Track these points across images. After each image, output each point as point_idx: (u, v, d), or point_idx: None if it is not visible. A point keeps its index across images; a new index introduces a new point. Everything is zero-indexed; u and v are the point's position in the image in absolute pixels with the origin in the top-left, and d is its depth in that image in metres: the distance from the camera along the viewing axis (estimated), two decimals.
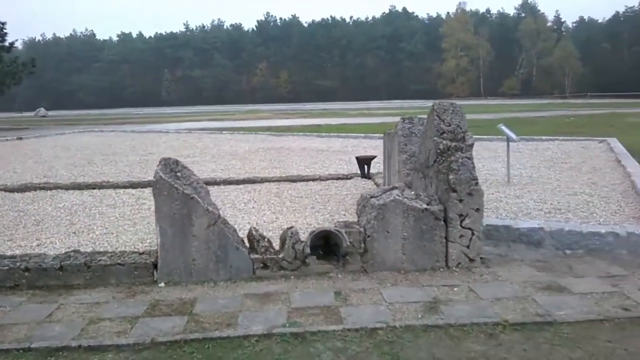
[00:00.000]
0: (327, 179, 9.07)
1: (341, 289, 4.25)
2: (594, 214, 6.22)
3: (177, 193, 4.43)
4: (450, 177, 4.62)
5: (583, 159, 11.14)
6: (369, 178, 8.98)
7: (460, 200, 4.61)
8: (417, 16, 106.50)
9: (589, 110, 34.87)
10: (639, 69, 73.91)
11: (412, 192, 4.79)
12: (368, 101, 75.73)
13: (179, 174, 4.56)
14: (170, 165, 4.56)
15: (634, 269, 4.53)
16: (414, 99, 77.30)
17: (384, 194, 4.69)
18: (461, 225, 4.64)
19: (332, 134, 18.94)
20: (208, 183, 8.83)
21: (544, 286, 4.19)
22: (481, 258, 4.98)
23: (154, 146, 16.60)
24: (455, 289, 4.21)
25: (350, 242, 4.56)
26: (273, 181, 9.01)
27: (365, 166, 9.12)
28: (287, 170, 10.53)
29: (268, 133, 19.82)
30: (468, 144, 4.82)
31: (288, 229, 4.68)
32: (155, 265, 4.53)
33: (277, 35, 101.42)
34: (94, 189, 8.72)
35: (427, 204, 4.67)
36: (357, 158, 9.40)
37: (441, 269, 4.64)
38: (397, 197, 4.58)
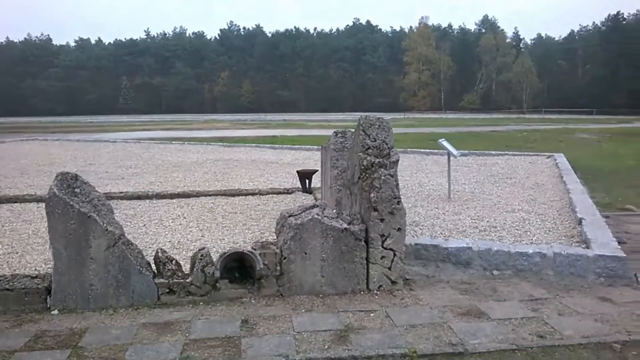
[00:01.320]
0: (267, 193, 8.76)
1: (250, 316, 3.93)
2: (528, 232, 6.12)
3: (72, 211, 4.04)
4: (372, 195, 4.39)
5: (528, 174, 11.19)
6: (310, 193, 8.72)
7: (382, 220, 4.38)
8: (380, 29, 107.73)
9: (542, 125, 35.72)
10: (592, 85, 76.66)
11: (334, 211, 4.54)
12: (331, 113, 75.89)
13: (77, 190, 4.18)
14: (68, 181, 4.17)
15: (557, 292, 4.38)
16: (377, 112, 77.95)
17: (303, 212, 4.42)
18: (382, 246, 4.40)
19: (285, 145, 18.65)
20: (140, 197, 8.48)
21: (463, 311, 3.98)
22: (407, 279, 4.78)
23: (96, 157, 15.95)
24: (372, 314, 3.96)
25: (265, 264, 4.26)
26: (210, 195, 8.64)
27: (307, 180, 8.86)
28: (229, 184, 10.17)
29: (220, 144, 19.39)
30: (392, 161, 4.61)
31: (199, 250, 4.35)
32: (49, 291, 4.12)
33: (240, 44, 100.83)
34: (15, 202, 8.15)
35: (349, 223, 4.43)
36: (298, 172, 9.13)
37: (362, 292, 4.39)
38: (316, 217, 4.31)
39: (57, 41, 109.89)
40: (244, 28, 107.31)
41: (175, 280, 4.20)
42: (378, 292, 4.39)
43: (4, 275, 4.27)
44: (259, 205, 8.01)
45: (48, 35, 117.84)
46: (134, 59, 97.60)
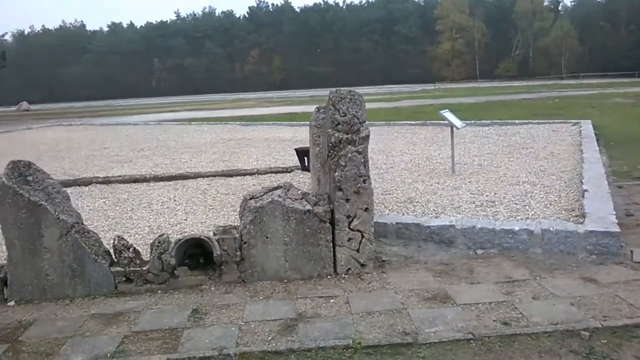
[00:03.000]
0: (265, 172, 8.56)
1: (203, 305, 3.76)
2: (527, 207, 5.72)
3: (22, 200, 3.93)
4: (336, 174, 4.12)
5: (546, 143, 10.61)
6: (309, 171, 8.46)
7: (347, 200, 4.11)
8: None
9: (578, 90, 34.18)
10: (636, 48, 72.82)
11: (299, 192, 4.28)
12: (361, 87, 74.90)
13: (29, 178, 4.05)
14: (20, 169, 4.05)
15: (540, 272, 4.04)
16: (408, 83, 76.50)
17: (265, 194, 4.19)
18: (349, 228, 4.14)
19: (303, 122, 18.35)
20: (137, 180, 8.42)
21: (429, 296, 3.70)
22: (383, 261, 4.52)
23: (114, 140, 16.07)
24: (332, 300, 3.72)
25: (224, 250, 4.06)
26: (207, 176, 8.49)
27: (305, 158, 8.60)
28: (233, 164, 10.00)
29: (238, 123, 19.27)
30: (362, 136, 4.30)
31: (158, 236, 4.19)
32: (5, 282, 4.05)
33: (269, 21, 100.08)
34: None
35: (315, 204, 4.17)
36: (295, 149, 8.87)
37: (328, 277, 4.16)
38: (276, 199, 4.08)
39: (90, 27, 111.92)
40: (273, 4, 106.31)
41: (132, 269, 4.06)
42: (346, 276, 4.15)
43: None
44: (254, 185, 7.82)
45: (82, 21, 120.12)
46: (164, 41, 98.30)
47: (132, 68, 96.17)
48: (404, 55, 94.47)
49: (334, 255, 4.16)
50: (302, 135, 14.76)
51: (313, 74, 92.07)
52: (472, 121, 15.16)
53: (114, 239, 4.20)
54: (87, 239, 4.08)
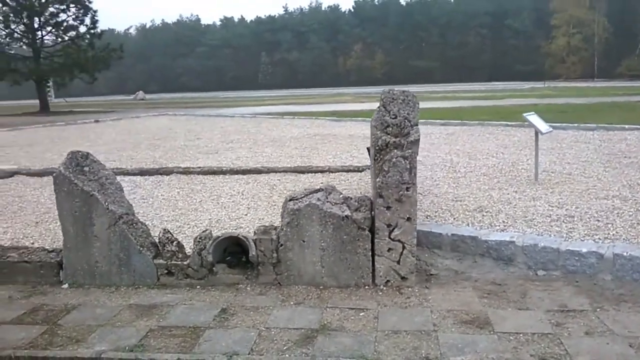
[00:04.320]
0: (336, 171, 8.46)
1: (233, 304, 3.75)
2: (610, 225, 5.11)
3: (76, 190, 4.14)
4: (377, 180, 3.91)
5: None
6: None
7: (388, 208, 3.88)
8: None
9: None
10: None
11: (341, 195, 4.12)
12: (467, 83, 72.30)
13: (86, 168, 4.27)
14: (77, 159, 4.28)
15: (604, 303, 3.56)
16: (517, 80, 72.66)
17: (305, 196, 4.08)
18: (390, 237, 3.92)
19: None
20: (215, 173, 8.68)
21: (468, 319, 3.40)
22: (431, 274, 4.25)
23: (208, 131, 16.76)
24: (362, 313, 3.54)
25: (261, 251, 4.02)
26: (280, 172, 8.55)
27: None
28: (310, 160, 10.02)
29: (328, 118, 19.31)
30: (410, 140, 4.05)
31: (202, 232, 4.24)
32: (61, 265, 4.31)
33: (374, 15, 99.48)
34: None
35: (355, 210, 4.00)
36: (368, 149, 8.64)
37: (366, 287, 3.97)
38: (314, 202, 3.95)
39: (205, 21, 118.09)
40: None
41: (173, 262, 4.15)
42: (384, 288, 3.94)
43: (27, 248, 4.55)
44: (321, 183, 7.74)
45: (197, 15, 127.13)
46: (272, 35, 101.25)
47: (240, 61, 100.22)
48: (515, 51, 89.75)
49: (373, 265, 3.96)
50: None
51: (416, 69, 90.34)
52: (576, 124, 14.02)
53: (160, 232, 4.31)
54: (135, 229, 4.22)
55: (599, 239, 4.66)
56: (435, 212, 5.91)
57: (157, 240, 4.30)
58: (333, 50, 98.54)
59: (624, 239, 4.63)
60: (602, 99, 26.91)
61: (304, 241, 3.98)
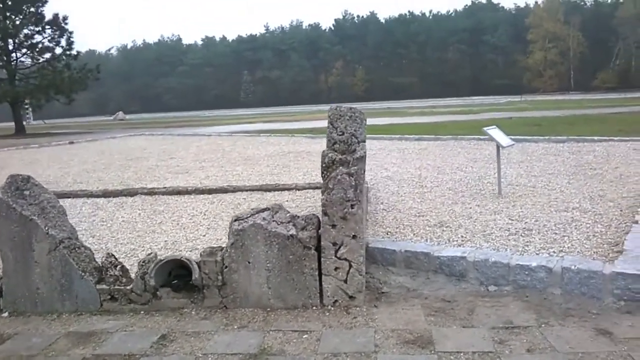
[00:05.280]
0: (303, 188, 8.39)
1: (174, 330, 3.63)
2: (566, 237, 5.10)
3: (15, 214, 4.02)
4: (322, 197, 3.85)
5: (619, 164, 9.59)
6: None
7: (333, 226, 3.82)
8: (502, 7, 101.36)
9: None
10: None
11: (288, 214, 4.06)
12: (447, 98, 73.10)
13: (26, 192, 4.15)
14: (17, 183, 4.16)
15: (550, 318, 3.52)
16: (496, 94, 73.63)
17: (251, 216, 4.00)
18: (336, 256, 3.85)
19: (368, 135, 18.06)
20: (180, 193, 8.56)
21: (411, 338, 3.32)
22: (382, 292, 4.18)
23: (183, 150, 16.63)
24: (305, 336, 3.45)
25: (205, 273, 3.92)
26: (246, 190, 8.47)
27: None
28: (280, 178, 9.95)
29: (305, 135, 19.30)
30: (356, 157, 4.01)
31: (147, 255, 4.13)
32: (1, 293, 4.16)
33: (354, 33, 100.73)
34: (68, 197, 8.62)
35: (302, 229, 3.93)
36: None
37: (314, 307, 3.89)
38: (258, 222, 3.88)
39: (186, 41, 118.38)
40: (358, 16, 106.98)
41: (116, 287, 4.03)
42: (332, 308, 3.86)
43: None
44: (287, 201, 7.67)
45: (178, 35, 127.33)
46: (254, 54, 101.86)
47: (222, 80, 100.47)
48: (493, 66, 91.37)
49: (320, 285, 3.88)
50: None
51: (397, 85, 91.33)
52: (547, 137, 14.17)
53: (103, 256, 4.20)
54: (78, 254, 4.10)
55: (554, 252, 4.64)
56: (397, 228, 5.86)
57: (100, 265, 4.17)
58: (314, 68, 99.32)
59: (578, 251, 4.62)
60: (577, 111, 27.34)
61: (249, 262, 3.89)
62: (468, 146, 13.88)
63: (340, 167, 3.92)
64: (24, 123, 41.50)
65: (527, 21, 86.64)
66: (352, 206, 3.78)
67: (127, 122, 46.21)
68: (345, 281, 3.85)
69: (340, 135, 4.15)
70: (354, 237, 3.80)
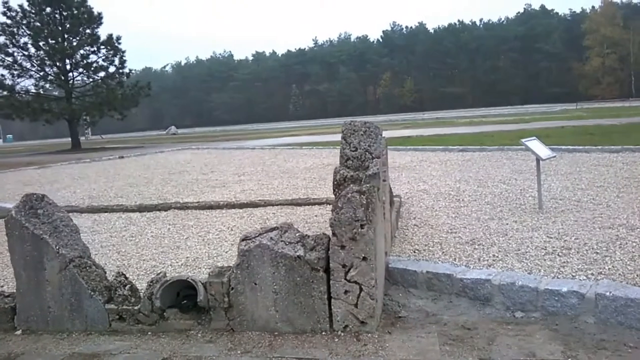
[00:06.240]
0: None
1: (176, 354, 3.51)
2: (608, 258, 4.69)
3: (27, 233, 4.03)
4: (330, 217, 3.66)
5: None
6: None
7: (342, 247, 3.61)
8: (556, 13, 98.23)
9: None
10: None
11: (298, 234, 3.88)
12: (499, 107, 71.25)
13: (40, 211, 4.17)
14: (32, 202, 4.18)
15: (579, 351, 3.17)
16: (550, 103, 71.19)
17: (259, 235, 3.86)
18: (345, 279, 3.63)
19: (412, 147, 17.72)
20: (211, 207, 8.55)
21: None
22: (399, 317, 3.93)
23: (225, 164, 16.80)
24: None
25: (212, 295, 3.79)
26: (277, 205, 8.36)
27: None
28: (314, 192, 9.80)
29: None
30: (369, 174, 3.80)
31: (157, 275, 4.05)
32: (15, 310, 4.18)
33: (402, 44, 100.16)
34: (104, 212, 8.78)
35: (311, 249, 3.74)
36: None
37: (323, 333, 3.68)
38: (265, 242, 3.72)
39: (237, 56, 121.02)
40: (407, 27, 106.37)
41: (124, 307, 3.96)
42: (342, 334, 3.64)
43: None
44: (316, 216, 7.51)
45: (230, 51, 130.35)
46: (302, 67, 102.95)
47: (271, 94, 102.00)
48: (547, 73, 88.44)
49: (330, 309, 3.67)
50: (403, 160, 14.17)
51: (446, 95, 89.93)
52: (600, 147, 13.42)
53: (114, 275, 4.15)
54: (88, 273, 4.07)
55: (592, 274, 4.26)
56: (426, 245, 5.59)
57: (110, 284, 4.12)
58: (362, 80, 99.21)
59: (619, 273, 4.22)
60: (635, 119, 25.92)
61: (255, 284, 3.73)
62: (514, 157, 13.31)
63: (351, 185, 3.72)
64: (82, 138, 43.45)
65: (583, 27, 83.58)
66: (361, 226, 3.56)
67: (178, 137, 47.45)
68: (356, 305, 3.63)
69: (353, 151, 3.96)
70: (364, 259, 3.58)
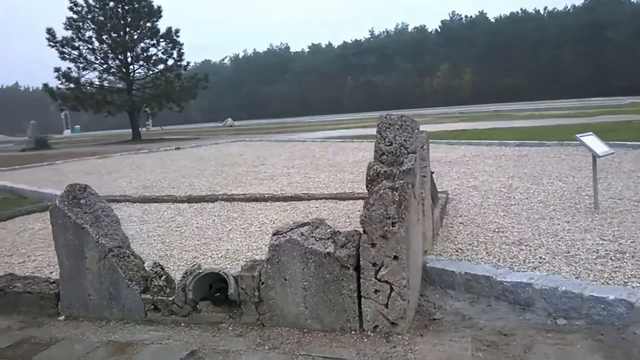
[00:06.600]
0: None
1: (206, 346, 3.54)
2: None
3: (69, 222, 4.17)
4: (361, 214, 3.57)
5: None
6: None
7: (373, 245, 3.52)
8: (628, 0, 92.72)
9: None
10: None
11: (329, 230, 3.82)
12: (562, 100, 68.24)
13: (82, 201, 4.30)
14: (75, 192, 4.32)
15: None
16: (617, 95, 67.49)
17: (291, 230, 3.82)
18: (376, 277, 3.54)
19: (464, 140, 17.25)
20: (257, 199, 8.62)
21: None
22: (434, 319, 3.80)
23: (276, 156, 16.91)
24: None
25: (242, 289, 3.80)
26: (320, 199, 8.33)
27: None
28: (360, 185, 9.69)
29: None
30: (403, 169, 3.69)
31: (192, 266, 4.10)
32: (59, 297, 4.35)
33: (461, 34, 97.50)
34: (155, 202, 9.02)
35: (342, 246, 3.67)
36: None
37: (352, 332, 3.61)
38: (295, 237, 3.68)
39: (293, 49, 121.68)
40: (466, 17, 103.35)
41: (159, 298, 4.03)
42: (371, 334, 3.56)
43: (33, 278, 4.64)
44: (358, 211, 7.38)
45: (287, 43, 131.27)
46: (358, 59, 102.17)
47: (327, 85, 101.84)
48: (615, 64, 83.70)
49: (360, 308, 3.59)
50: (454, 155, 13.80)
51: (506, 87, 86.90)
52: None
53: (150, 266, 4.23)
54: (126, 263, 4.17)
55: (602, 285, 3.96)
56: (470, 244, 5.40)
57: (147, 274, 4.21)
58: (418, 71, 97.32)
59: None
60: None
61: (285, 279, 3.71)
62: (574, 153, 12.67)
63: (384, 181, 3.62)
64: (144, 129, 45.02)
65: None
66: (393, 224, 3.45)
67: (234, 129, 48.30)
68: (387, 305, 3.53)
69: (388, 145, 3.85)
70: (395, 257, 3.47)
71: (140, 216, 8.18)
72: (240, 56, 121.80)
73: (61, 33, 33.85)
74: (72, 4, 33.54)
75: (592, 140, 6.46)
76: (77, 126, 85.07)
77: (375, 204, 3.50)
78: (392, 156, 3.80)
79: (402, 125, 3.90)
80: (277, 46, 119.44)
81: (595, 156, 6.42)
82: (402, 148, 3.80)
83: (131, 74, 35.22)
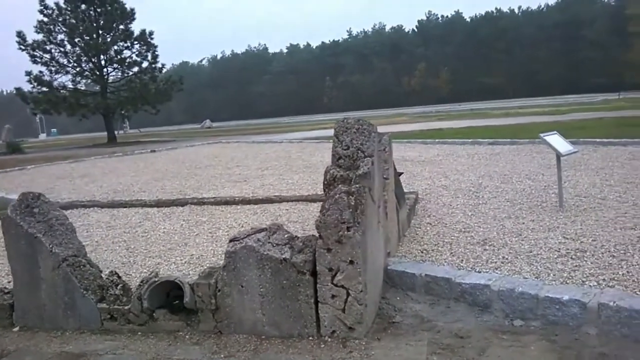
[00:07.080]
0: None
1: (160, 356, 3.48)
2: (624, 262, 4.43)
3: (21, 232, 4.07)
4: (317, 219, 3.54)
5: None
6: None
7: (328, 250, 3.49)
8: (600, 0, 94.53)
9: None
10: None
11: (287, 235, 3.78)
12: (538, 98, 69.22)
13: (35, 209, 4.20)
14: (28, 200, 4.22)
15: None
16: (592, 93, 68.77)
17: (248, 236, 3.77)
18: (332, 282, 3.52)
19: (439, 140, 17.35)
20: (227, 203, 8.54)
21: None
22: (393, 322, 3.79)
23: (251, 158, 16.82)
24: None
25: (199, 296, 3.74)
26: (291, 201, 8.28)
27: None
28: None
29: None
30: (359, 174, 3.66)
31: (149, 275, 4.02)
32: (13, 307, 4.23)
33: (437, 34, 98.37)
34: (123, 207, 8.88)
35: (299, 252, 3.64)
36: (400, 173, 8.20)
37: (310, 338, 3.58)
38: (250, 244, 3.64)
39: (272, 49, 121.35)
40: (442, 16, 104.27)
41: (115, 307, 3.95)
42: (329, 340, 3.53)
43: None
44: None
45: (265, 44, 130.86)
46: (336, 59, 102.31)
47: (305, 86, 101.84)
48: (589, 63, 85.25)
49: (317, 314, 3.56)
50: (429, 154, 13.87)
51: (483, 86, 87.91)
52: (638, 139, 12.82)
53: (106, 275, 4.14)
54: (82, 272, 4.08)
55: (604, 280, 4.02)
56: (435, 245, 5.42)
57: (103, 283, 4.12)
58: (395, 71, 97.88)
59: (634, 280, 3.97)
60: None
61: (242, 286, 3.66)
62: (546, 151, 12.79)
63: (340, 185, 3.59)
64: (121, 132, 44.44)
65: (628, 12, 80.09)
66: (348, 229, 3.43)
67: (212, 130, 47.93)
68: (344, 310, 3.51)
69: (345, 149, 3.83)
70: (351, 262, 3.45)
71: (107, 222, 8.04)
72: (219, 57, 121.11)
73: (32, 36, 33.31)
74: (42, 7, 32.97)
75: (555, 140, 6.54)
76: (54, 130, 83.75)
77: (330, 208, 3.48)
78: (349, 160, 3.78)
79: (359, 129, 3.88)
80: (255, 47, 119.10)
81: (559, 155, 6.49)
82: (359, 152, 3.78)
83: (105, 77, 34.75)
